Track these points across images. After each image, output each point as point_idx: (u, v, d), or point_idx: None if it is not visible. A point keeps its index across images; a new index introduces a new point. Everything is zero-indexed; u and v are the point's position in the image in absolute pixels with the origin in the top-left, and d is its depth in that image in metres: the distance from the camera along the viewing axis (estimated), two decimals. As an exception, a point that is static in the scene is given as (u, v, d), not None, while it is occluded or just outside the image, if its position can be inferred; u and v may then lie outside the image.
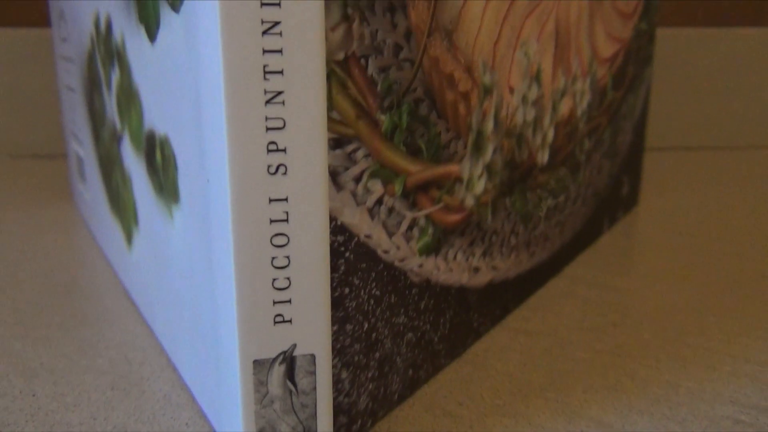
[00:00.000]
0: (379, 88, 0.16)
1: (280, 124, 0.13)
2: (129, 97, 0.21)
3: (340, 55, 0.15)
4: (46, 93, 0.50)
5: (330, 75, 0.14)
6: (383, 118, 0.16)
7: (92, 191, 0.31)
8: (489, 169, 0.21)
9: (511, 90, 0.22)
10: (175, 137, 0.17)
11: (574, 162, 0.29)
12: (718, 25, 0.56)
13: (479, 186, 0.21)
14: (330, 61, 0.14)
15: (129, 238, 0.25)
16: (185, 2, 0.15)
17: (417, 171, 0.18)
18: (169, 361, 0.22)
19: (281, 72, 0.13)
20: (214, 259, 0.15)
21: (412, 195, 0.18)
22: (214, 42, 0.13)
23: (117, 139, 0.24)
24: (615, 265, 0.30)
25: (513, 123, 0.23)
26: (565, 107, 0.27)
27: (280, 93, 0.13)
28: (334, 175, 0.15)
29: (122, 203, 0.25)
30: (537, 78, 0.24)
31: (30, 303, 0.26)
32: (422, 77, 0.18)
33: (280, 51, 0.13)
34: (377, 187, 0.16)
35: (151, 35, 0.17)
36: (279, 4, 0.13)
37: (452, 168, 0.19)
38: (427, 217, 0.19)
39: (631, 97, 0.35)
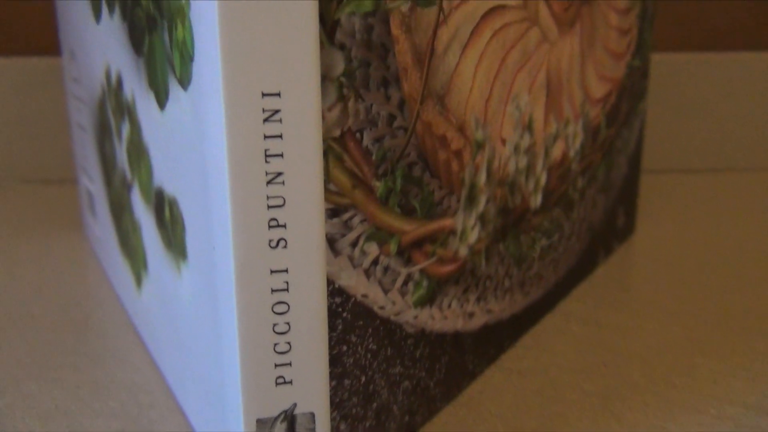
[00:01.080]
0: (374, 157, 0.17)
1: (280, 202, 0.14)
2: (139, 152, 0.22)
3: (337, 132, 0.16)
4: (56, 119, 0.52)
5: (327, 151, 0.15)
6: (378, 185, 0.17)
7: (103, 228, 0.33)
8: (482, 218, 0.22)
9: (503, 142, 0.23)
10: (184, 201, 0.18)
11: (568, 201, 0.30)
12: (714, 50, 0.57)
13: (473, 236, 0.22)
14: (327, 139, 0.15)
15: (138, 281, 0.26)
16: (193, 83, 0.16)
17: (411, 229, 0.19)
18: (177, 404, 0.23)
19: (281, 155, 0.14)
20: (220, 322, 0.16)
21: (406, 252, 0.19)
22: (218, 127, 0.14)
23: (127, 187, 0.25)
24: (609, 300, 0.31)
25: (505, 172, 0.24)
26: (557, 150, 0.28)
27: (280, 174, 0.14)
28: (331, 242, 0.16)
29: (132, 248, 0.26)
30: (529, 127, 0.25)
31: (44, 341, 0.27)
32: (415, 141, 0.19)
33: (280, 136, 0.14)
34: (373, 249, 0.17)
35: (161, 104, 0.19)
36: (279, 94, 0.14)
37: (446, 222, 0.20)
38: (422, 270, 0.20)
39: (626, 131, 0.36)
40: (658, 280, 0.33)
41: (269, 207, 0.14)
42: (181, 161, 0.17)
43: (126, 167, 0.25)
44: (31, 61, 0.51)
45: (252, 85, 0.14)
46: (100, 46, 0.26)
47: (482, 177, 0.22)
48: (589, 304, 0.31)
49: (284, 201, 0.14)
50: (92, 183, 0.35)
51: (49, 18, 0.51)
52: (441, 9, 0.18)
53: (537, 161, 0.26)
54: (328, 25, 0.15)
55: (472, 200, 0.22)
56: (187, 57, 0.16)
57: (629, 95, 0.37)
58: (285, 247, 0.14)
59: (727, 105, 0.54)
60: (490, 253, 0.23)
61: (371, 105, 0.16)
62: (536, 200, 0.26)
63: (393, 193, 0.18)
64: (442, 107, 0.19)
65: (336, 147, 0.16)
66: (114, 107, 0.25)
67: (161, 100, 0.18)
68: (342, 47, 0.15)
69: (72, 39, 0.33)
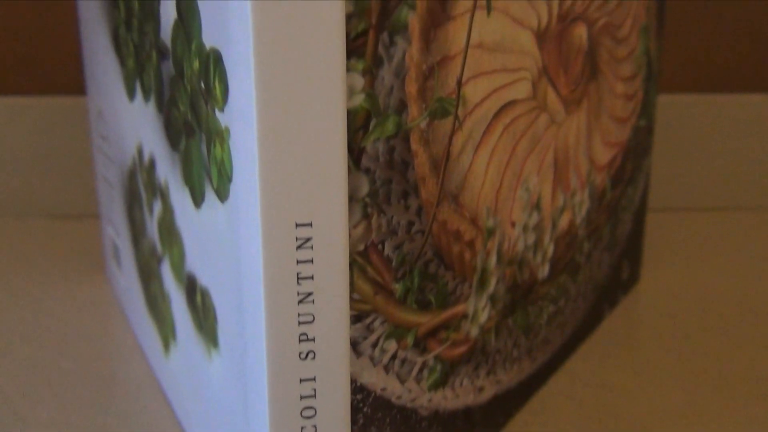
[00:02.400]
0: (394, 263, 0.18)
1: (310, 318, 0.16)
2: (171, 234, 0.24)
3: (361, 247, 0.17)
4: (79, 155, 0.53)
5: (351, 264, 0.17)
6: (397, 287, 0.19)
7: (128, 281, 0.34)
8: (492, 298, 0.24)
9: (513, 224, 0.25)
10: (217, 296, 0.19)
11: (574, 265, 0.31)
12: (720, 92, 0.58)
13: (483, 316, 0.23)
14: (352, 253, 0.17)
15: (166, 346, 0.27)
16: (230, 201, 0.17)
17: (427, 321, 0.20)
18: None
19: (311, 277, 0.15)
20: (250, 416, 0.17)
21: (422, 342, 0.20)
22: (254, 249, 0.15)
23: (157, 258, 0.27)
24: (612, 359, 0.32)
25: (514, 251, 0.25)
26: (564, 221, 0.29)
27: (310, 294, 0.15)
28: (354, 345, 0.17)
29: (160, 313, 0.27)
30: (537, 205, 0.26)
31: (74, 397, 0.29)
32: (431, 240, 0.20)
33: (311, 261, 0.15)
34: (392, 346, 0.19)
35: (196, 203, 0.20)
36: (311, 224, 0.15)
37: (459, 309, 0.22)
38: (436, 356, 0.21)
39: (631, 189, 0.38)
40: (661, 336, 0.34)
41: (300, 323, 0.15)
42: (216, 260, 0.19)
43: (156, 241, 0.26)
44: (55, 100, 0.52)
45: (287, 217, 0.15)
46: (132, 123, 0.27)
47: (492, 261, 0.23)
48: (594, 363, 0.32)
49: (313, 318, 0.16)
50: (118, 236, 0.36)
51: (73, 57, 0.52)
52: (456, 117, 0.20)
53: (545, 235, 0.27)
54: (354, 153, 0.16)
55: (483, 283, 0.23)
56: (225, 176, 0.17)
57: (634, 154, 0.38)
58: (314, 358, 0.16)
59: (732, 145, 0.55)
60: (500, 328, 0.25)
61: (392, 217, 0.18)
62: (544, 271, 0.28)
63: (410, 292, 0.19)
64: (456, 205, 0.21)
65: (360, 260, 0.17)
66: (146, 182, 0.27)
67: (197, 200, 0.20)
68: (367, 171, 0.17)
69: (101, 100, 0.34)
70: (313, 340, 0.16)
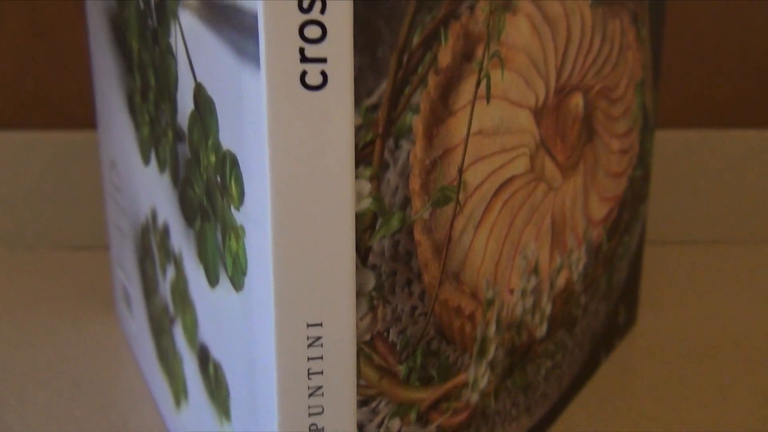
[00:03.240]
0: (398, 347, 0.19)
1: (319, 410, 0.17)
2: (184, 300, 0.25)
3: (367, 337, 0.18)
4: (90, 188, 0.55)
5: (358, 353, 0.18)
6: (401, 368, 0.20)
7: (139, 327, 0.35)
8: (491, 364, 0.25)
9: (511, 291, 0.26)
10: (230, 373, 0.20)
11: (571, 320, 0.32)
12: (717, 127, 0.59)
13: (483, 382, 0.24)
14: (359, 343, 0.18)
15: (177, 401, 0.28)
16: (245, 292, 0.18)
17: (429, 395, 0.21)
18: None
19: (321, 372, 0.16)
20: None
21: (424, 416, 0.21)
22: (268, 345, 0.17)
23: (169, 319, 0.28)
24: (608, 410, 0.33)
25: (513, 317, 0.26)
26: (561, 280, 0.30)
27: (320, 387, 0.16)
28: (360, 427, 0.18)
29: (171, 369, 0.28)
30: (535, 270, 0.27)
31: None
32: (433, 320, 0.21)
33: (321, 357, 0.16)
34: (396, 424, 0.20)
35: (211, 282, 0.21)
36: (321, 324, 0.16)
37: (460, 379, 0.23)
38: (437, 425, 0.22)
39: (627, 237, 0.39)
40: (657, 382, 0.35)
41: (310, 414, 0.16)
42: (229, 339, 0.20)
43: (169, 301, 0.27)
44: (66, 135, 0.53)
45: (299, 317, 0.16)
46: (147, 186, 0.29)
47: (492, 329, 0.24)
48: (591, 413, 0.33)
49: (323, 409, 0.17)
50: (128, 282, 0.37)
51: (84, 92, 0.54)
52: (457, 202, 0.21)
53: (542, 296, 0.28)
54: (362, 252, 0.17)
55: (482, 352, 0.24)
56: (240, 269, 0.18)
57: (630, 204, 0.39)
58: (323, 446, 0.17)
59: (728, 180, 0.56)
60: (499, 391, 0.26)
61: (396, 305, 0.19)
62: (542, 330, 0.29)
63: (413, 371, 0.20)
64: (457, 282, 0.22)
65: (366, 349, 0.18)
66: (159, 244, 0.28)
67: (211, 279, 0.21)
68: (373, 267, 0.18)
69: (114, 152, 0.35)
70: (322, 429, 0.17)
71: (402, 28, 0.17)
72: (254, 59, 0.16)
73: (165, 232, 0.26)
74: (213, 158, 0.19)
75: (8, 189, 0.53)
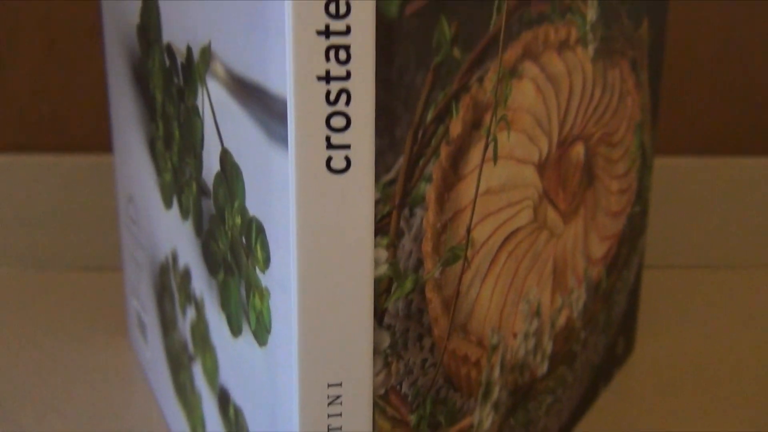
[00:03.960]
0: (409, 398, 0.21)
1: (339, 462, 0.18)
2: (205, 343, 0.26)
3: (381, 391, 0.19)
4: (103, 211, 0.56)
5: (373, 406, 0.19)
6: (412, 417, 0.21)
7: (154, 356, 0.36)
8: (495, 405, 0.26)
9: (515, 335, 0.27)
10: (251, 420, 0.22)
11: (572, 356, 0.33)
12: (714, 155, 0.60)
13: (487, 423, 0.26)
14: (374, 396, 0.19)
15: (195, 435, 0.29)
16: (268, 348, 0.19)
17: (437, 438, 0.23)
18: None
19: (340, 428, 0.18)
20: None
21: (433, 459, 0.23)
22: (291, 400, 0.18)
23: (189, 357, 0.29)
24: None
25: (516, 359, 0.27)
26: (562, 319, 0.31)
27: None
28: (375, 474, 0.20)
29: (189, 405, 0.30)
30: (537, 313, 0.28)
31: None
32: (441, 370, 0.22)
33: (340, 414, 0.18)
34: (407, 469, 0.21)
35: (233, 333, 0.22)
36: (341, 384, 0.18)
37: (466, 422, 0.24)
38: (445, 464, 0.23)
39: (626, 272, 0.40)
40: (654, 413, 0.36)
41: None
42: (251, 389, 0.21)
43: (189, 341, 0.28)
44: (80, 158, 0.55)
45: (320, 378, 0.17)
46: (167, 229, 0.30)
47: (496, 372, 0.26)
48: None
49: (342, 461, 0.18)
50: (144, 312, 0.38)
51: (99, 116, 0.55)
52: (466, 259, 0.22)
53: (544, 336, 0.30)
54: (378, 314, 0.19)
55: (487, 395, 0.25)
56: (263, 326, 0.20)
57: (629, 239, 0.41)
58: (341, 496, 0.18)
59: (726, 205, 0.58)
60: (502, 429, 0.27)
61: (409, 359, 0.20)
62: (543, 369, 0.30)
63: (423, 419, 0.21)
64: (464, 333, 0.23)
65: (380, 402, 0.19)
66: (179, 285, 0.29)
67: (234, 330, 0.22)
68: (388, 327, 0.19)
69: (132, 187, 0.37)
70: (341, 480, 0.18)
71: (418, 106, 0.19)
72: (283, 141, 0.17)
73: (186, 275, 0.28)
74: (239, 220, 0.21)
75: (23, 210, 0.54)
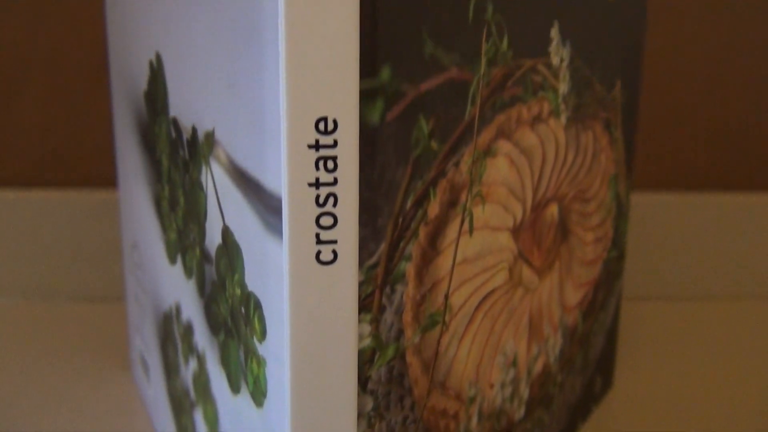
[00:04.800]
0: (391, 453, 0.23)
1: None
2: (206, 394, 0.28)
3: (366, 449, 0.22)
4: (107, 245, 0.58)
5: (359, 462, 0.21)
6: (394, 470, 0.23)
7: (156, 396, 0.38)
8: (473, 452, 0.28)
9: (492, 386, 0.29)
10: (249, 470, 0.24)
11: (549, 398, 0.35)
12: (691, 190, 0.63)
13: (465, 468, 0.28)
14: (359, 454, 0.21)
15: (196, 475, 0.31)
16: (264, 410, 0.22)
17: (418, 486, 0.25)
18: None
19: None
20: None
21: (414, 505, 0.25)
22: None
23: (190, 404, 0.31)
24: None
25: (493, 407, 0.30)
26: (539, 365, 0.34)
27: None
28: None
29: (191, 446, 0.32)
30: (514, 363, 0.31)
31: None
32: (421, 425, 0.25)
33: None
34: None
35: (233, 390, 0.25)
36: (329, 447, 0.20)
37: (444, 469, 0.26)
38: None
39: (602, 314, 0.42)
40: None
41: None
42: (248, 441, 0.23)
43: (191, 389, 0.31)
44: (84, 193, 0.57)
45: (311, 441, 0.20)
46: (171, 283, 0.32)
47: (474, 422, 0.28)
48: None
49: None
50: (148, 353, 0.41)
51: (104, 152, 0.57)
52: (444, 322, 0.25)
53: (520, 384, 0.32)
54: (362, 380, 0.21)
55: (465, 443, 0.27)
56: (260, 390, 0.22)
57: (605, 283, 0.43)
58: None
59: (703, 239, 0.60)
60: (480, 472, 0.29)
61: (391, 419, 0.22)
62: (520, 413, 0.32)
63: (405, 470, 0.24)
64: (443, 389, 0.25)
65: (365, 459, 0.22)
66: (182, 336, 0.31)
67: (233, 388, 0.24)
68: (371, 392, 0.21)
69: (136, 236, 0.39)
70: None
71: (398, 197, 0.21)
72: (278, 233, 0.19)
73: (189, 329, 0.30)
74: (238, 291, 0.23)
75: (29, 243, 0.56)
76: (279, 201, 0.19)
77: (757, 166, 0.62)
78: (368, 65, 0.19)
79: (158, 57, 0.30)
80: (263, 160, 0.19)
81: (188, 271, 0.29)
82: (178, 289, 0.31)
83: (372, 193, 0.20)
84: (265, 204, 0.20)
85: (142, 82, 0.33)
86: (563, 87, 0.31)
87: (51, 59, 0.56)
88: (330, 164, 0.18)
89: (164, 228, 0.32)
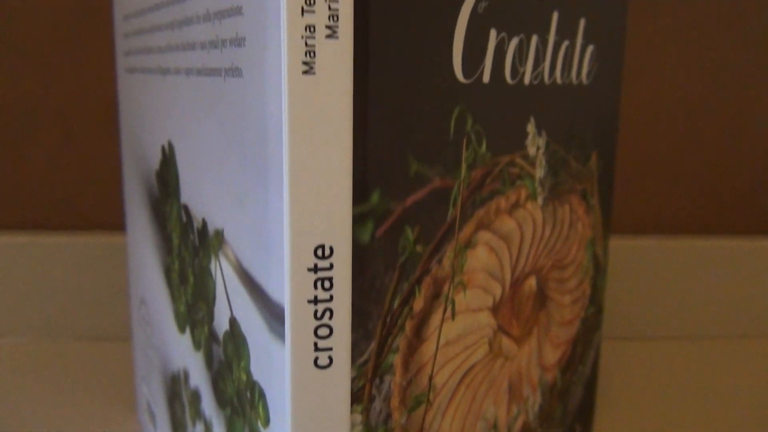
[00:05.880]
0: None
1: None
2: (212, 457, 0.31)
3: None
4: (114, 287, 0.61)
5: None
6: None
7: (162, 443, 0.41)
8: None
9: (473, 449, 0.32)
10: None
11: (528, 452, 0.38)
12: (670, 234, 0.66)
13: None
14: None
15: None
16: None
17: None
18: None
19: None
20: None
21: None
22: None
23: (197, 462, 0.34)
24: None
25: (475, 467, 0.32)
26: (519, 424, 0.36)
27: None
28: None
29: (197, 500, 0.34)
30: (494, 426, 0.33)
31: None
32: (408, 493, 0.27)
33: None
34: None
35: (238, 462, 0.27)
36: None
37: None
38: None
39: (581, 366, 0.45)
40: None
41: None
42: None
43: (197, 448, 0.33)
44: (91, 237, 0.60)
45: None
46: (180, 350, 0.35)
47: (456, 484, 0.31)
48: None
49: None
50: (155, 404, 0.43)
51: (111, 197, 0.60)
52: (428, 401, 0.27)
53: (500, 443, 0.35)
54: (354, 463, 0.24)
55: (448, 504, 0.30)
56: (264, 469, 0.24)
57: (583, 338, 0.46)
58: None
59: (682, 282, 0.63)
60: None
61: (379, 492, 0.25)
62: (500, 470, 0.35)
63: None
64: (427, 459, 0.28)
65: None
66: (190, 400, 0.34)
67: (239, 460, 0.27)
68: (362, 472, 0.24)
69: (145, 293, 0.41)
70: None
71: (386, 299, 0.24)
72: (280, 337, 0.22)
73: (196, 396, 0.32)
74: (244, 377, 0.26)
75: (38, 285, 0.59)
76: (281, 310, 0.22)
77: (732, 212, 0.65)
78: (360, 192, 0.22)
79: (170, 145, 0.32)
80: (268, 272, 0.22)
81: (197, 344, 0.32)
82: (187, 358, 0.33)
83: (363, 300, 0.23)
84: (270, 311, 0.22)
85: (155, 162, 0.35)
86: (540, 172, 0.34)
87: (61, 109, 0.58)
88: (327, 284, 0.21)
89: (173, 298, 0.35)
